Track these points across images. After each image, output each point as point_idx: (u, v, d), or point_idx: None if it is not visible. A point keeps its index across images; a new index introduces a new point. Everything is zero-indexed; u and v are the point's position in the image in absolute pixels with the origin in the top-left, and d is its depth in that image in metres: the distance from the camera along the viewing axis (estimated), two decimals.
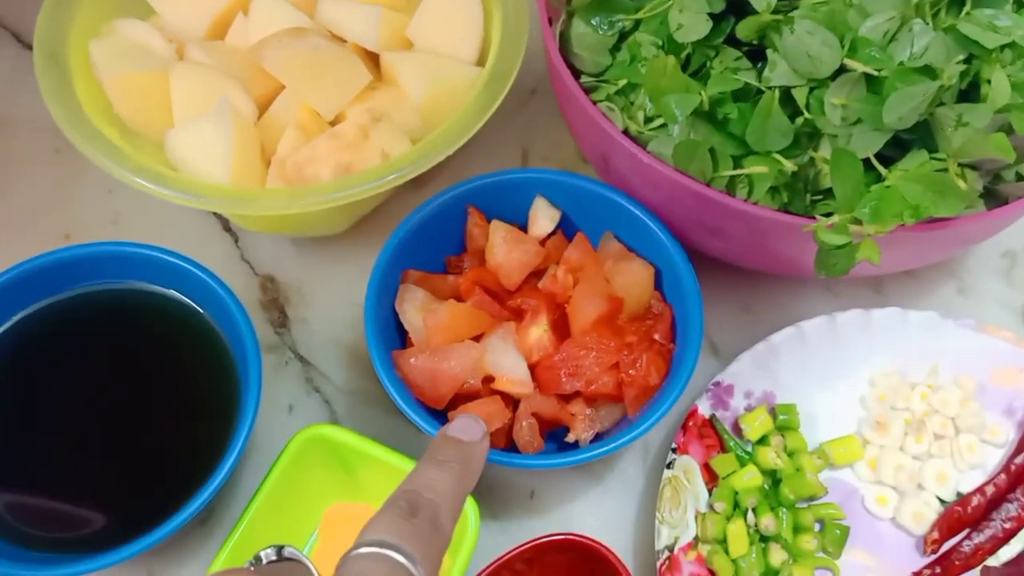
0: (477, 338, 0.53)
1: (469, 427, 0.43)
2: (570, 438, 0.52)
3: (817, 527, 0.54)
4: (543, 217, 0.57)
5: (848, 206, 0.47)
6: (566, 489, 0.56)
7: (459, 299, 0.54)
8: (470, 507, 0.50)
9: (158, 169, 0.52)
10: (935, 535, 0.53)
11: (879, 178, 0.48)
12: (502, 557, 0.49)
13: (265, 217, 0.57)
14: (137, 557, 0.52)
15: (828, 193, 0.51)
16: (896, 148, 0.48)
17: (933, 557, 0.53)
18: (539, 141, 0.69)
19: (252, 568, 0.38)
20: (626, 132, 0.53)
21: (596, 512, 0.56)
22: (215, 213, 0.65)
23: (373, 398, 0.59)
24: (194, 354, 0.53)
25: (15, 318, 0.52)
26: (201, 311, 0.53)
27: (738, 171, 0.50)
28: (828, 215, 0.48)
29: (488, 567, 0.49)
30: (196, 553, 0.54)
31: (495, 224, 0.56)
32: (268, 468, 0.52)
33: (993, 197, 0.51)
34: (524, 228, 0.57)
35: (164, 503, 0.47)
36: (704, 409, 0.55)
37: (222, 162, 0.54)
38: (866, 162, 0.47)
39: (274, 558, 0.38)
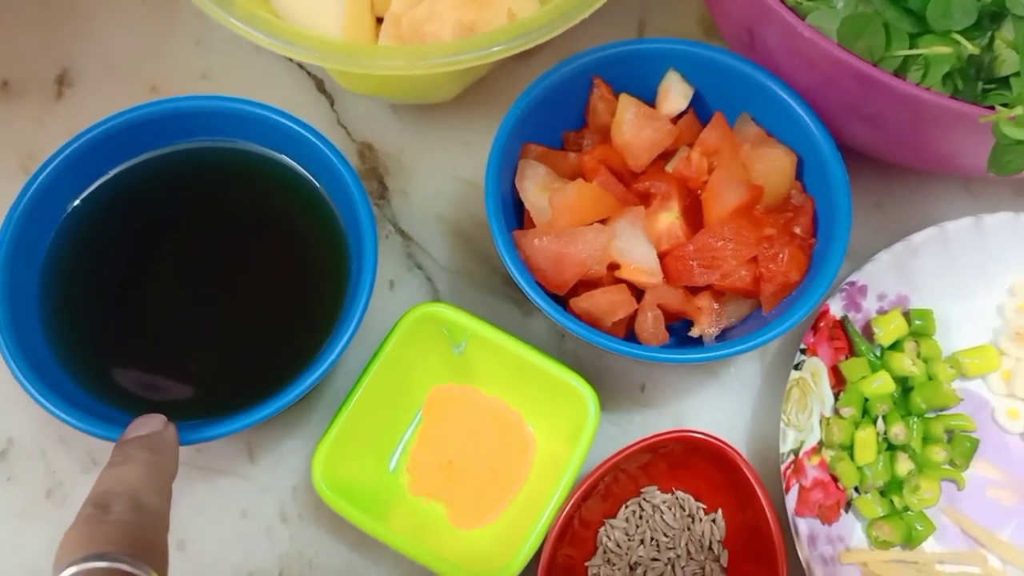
0: (603, 222, 0.49)
1: (143, 423, 0.42)
2: (694, 332, 0.49)
3: (946, 438, 0.51)
4: (676, 94, 0.52)
5: None
6: (679, 384, 0.54)
7: (583, 178, 0.50)
8: (589, 396, 0.48)
9: (267, 18, 0.48)
10: None
11: None
12: (619, 454, 0.47)
13: (371, 78, 0.53)
14: (241, 431, 0.51)
15: (1003, 83, 0.46)
16: None
17: None
18: (656, 12, 0.64)
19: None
20: (783, 1, 0.47)
21: (710, 409, 0.53)
22: (309, 72, 0.61)
23: (477, 278, 0.56)
24: (304, 223, 0.49)
25: (112, 171, 0.49)
26: (311, 178, 0.50)
27: (913, 51, 0.45)
28: (1005, 106, 0.43)
29: (605, 463, 0.47)
30: (295, 429, 0.52)
31: (624, 99, 0.51)
32: (374, 346, 0.49)
33: None
34: (653, 105, 0.53)
35: (274, 378, 0.45)
36: (836, 310, 0.51)
37: (334, 15, 0.50)
38: None
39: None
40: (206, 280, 0.48)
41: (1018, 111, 0.43)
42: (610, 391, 0.54)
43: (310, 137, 0.48)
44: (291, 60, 0.61)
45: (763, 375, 0.54)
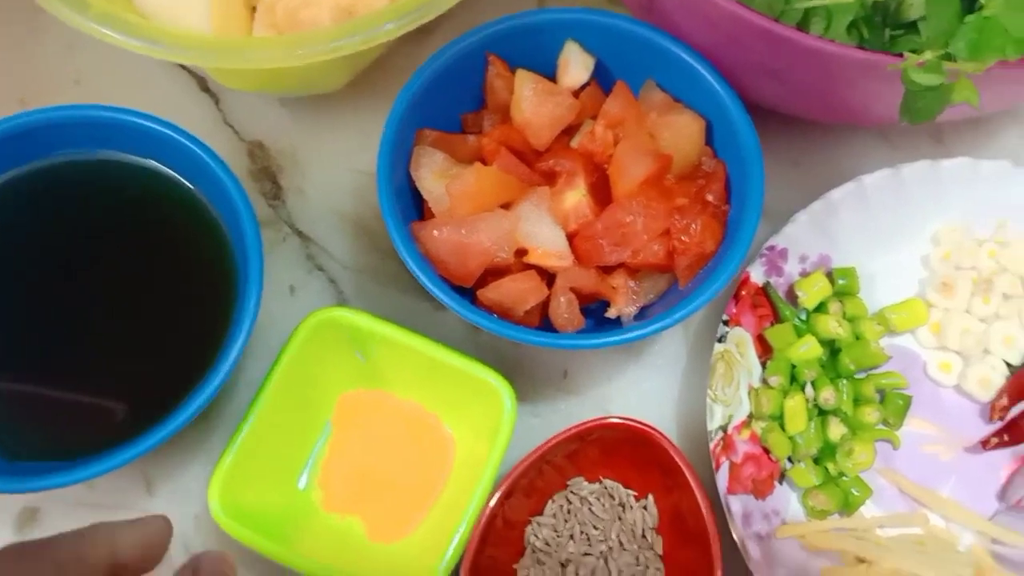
0: (506, 207, 0.47)
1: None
2: (611, 313, 0.47)
3: (878, 398, 0.50)
4: (576, 65, 0.49)
5: (941, 41, 0.41)
6: (602, 367, 0.52)
7: (482, 162, 0.48)
8: (504, 391, 0.45)
9: (126, 17, 0.44)
10: (1003, 401, 0.49)
11: (974, 7, 0.41)
12: (542, 447, 0.45)
13: (252, 72, 0.49)
14: (131, 462, 0.48)
15: (910, 28, 0.44)
16: None
17: (1000, 424, 0.50)
18: None
19: None
20: None
21: (635, 391, 0.51)
22: (190, 71, 0.57)
23: (383, 275, 0.53)
24: (182, 232, 0.46)
25: None
26: (187, 183, 0.46)
27: (814, 2, 0.42)
28: (913, 52, 0.41)
29: (527, 458, 0.45)
30: (197, 454, 0.49)
31: (521, 74, 0.48)
32: (273, 356, 0.46)
33: None
34: (553, 79, 0.50)
35: (163, 402, 0.42)
36: (757, 277, 0.50)
37: (201, 9, 0.46)
38: None
39: None
40: (81, 302, 0.45)
41: (927, 56, 0.41)
42: (531, 381, 0.51)
43: (179, 139, 0.45)
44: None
45: (688, 351, 0.52)
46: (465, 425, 0.48)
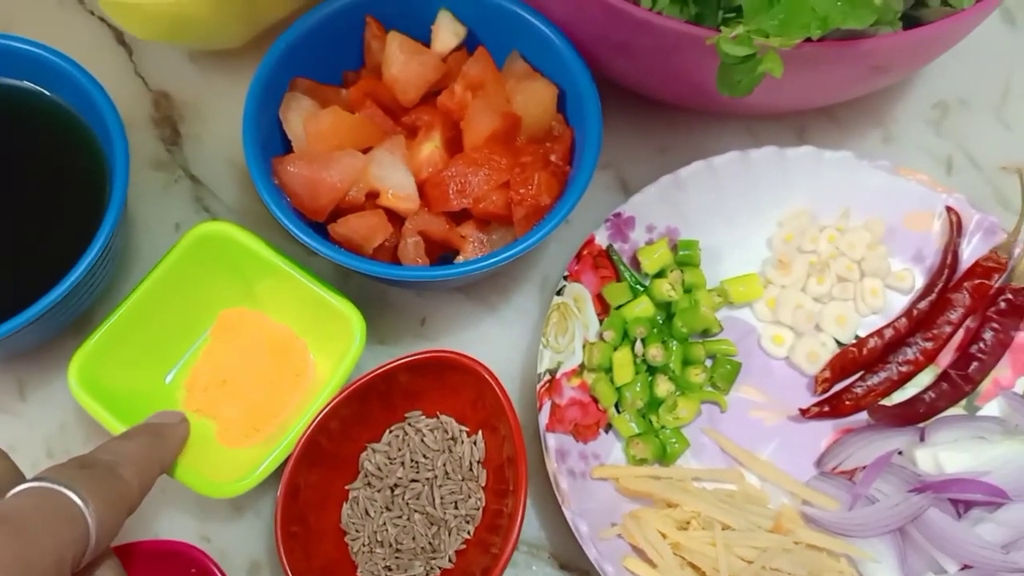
0: (366, 152, 0.50)
1: (164, 415, 0.47)
2: (459, 261, 0.50)
3: (709, 363, 0.52)
4: (446, 32, 0.53)
5: (756, 18, 0.45)
6: (458, 317, 0.55)
7: (349, 112, 0.51)
8: (355, 320, 0.49)
9: None
10: (826, 374, 0.52)
11: None
12: (368, 374, 0.48)
13: (154, 21, 0.53)
14: (5, 364, 0.51)
15: (740, 11, 0.48)
16: None
17: (824, 396, 0.52)
18: None
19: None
20: None
21: (487, 341, 0.55)
22: (110, 24, 0.62)
23: (266, 220, 0.56)
24: (49, 140, 0.50)
25: None
26: (49, 94, 0.51)
27: None
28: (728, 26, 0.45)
29: (353, 384, 0.48)
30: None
31: (392, 35, 0.52)
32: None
33: (915, 23, 0.48)
34: (428, 45, 0.54)
35: (30, 296, 0.45)
36: (601, 239, 0.53)
37: None
38: None
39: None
40: None
41: (739, 30, 0.44)
42: (391, 326, 0.55)
43: (33, 50, 0.49)
44: (89, 11, 0.62)
45: (541, 308, 0.55)
46: (325, 354, 0.52)
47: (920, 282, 0.55)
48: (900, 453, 0.50)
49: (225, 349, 0.52)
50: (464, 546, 0.47)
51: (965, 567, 0.46)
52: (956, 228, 0.54)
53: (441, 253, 0.52)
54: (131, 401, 0.48)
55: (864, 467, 0.49)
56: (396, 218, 0.50)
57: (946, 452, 0.48)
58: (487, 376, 0.47)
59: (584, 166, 0.49)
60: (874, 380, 0.52)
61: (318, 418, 0.47)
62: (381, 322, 0.54)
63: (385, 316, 0.55)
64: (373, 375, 0.48)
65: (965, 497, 0.47)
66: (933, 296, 0.53)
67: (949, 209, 0.54)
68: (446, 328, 0.55)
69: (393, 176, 0.49)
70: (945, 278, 0.53)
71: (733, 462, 0.51)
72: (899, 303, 0.54)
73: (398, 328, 0.55)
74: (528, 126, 0.51)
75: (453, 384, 0.50)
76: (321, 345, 0.52)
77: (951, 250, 0.53)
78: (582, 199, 0.49)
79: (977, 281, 0.53)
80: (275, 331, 0.53)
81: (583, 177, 0.49)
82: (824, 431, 0.52)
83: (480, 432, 0.50)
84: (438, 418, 0.50)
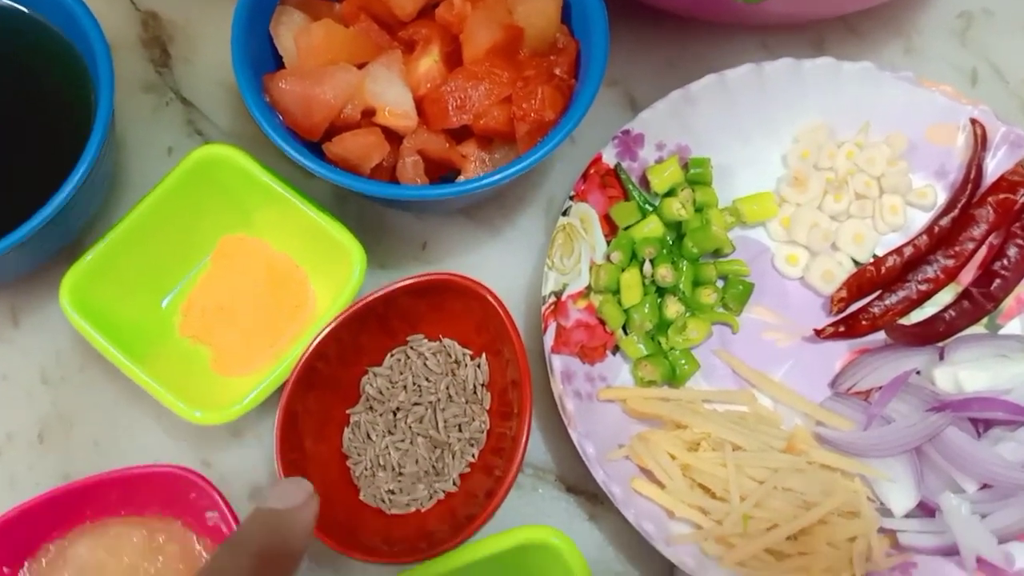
0: (361, 68, 0.48)
1: (287, 493, 0.35)
2: (461, 180, 0.49)
3: (721, 284, 0.51)
4: None
5: None
6: (460, 240, 0.53)
7: (343, 26, 0.49)
8: (355, 251, 0.47)
9: None
10: (843, 293, 0.50)
11: None
12: (368, 296, 0.46)
13: None
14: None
15: None
16: None
17: (839, 317, 0.51)
18: None
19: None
20: None
21: (491, 265, 0.53)
22: None
23: (260, 143, 0.54)
24: (32, 61, 0.49)
25: None
26: (30, 13, 0.49)
27: None
28: None
29: (362, 299, 0.46)
30: None
31: None
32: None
33: None
34: None
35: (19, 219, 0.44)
36: (609, 158, 0.51)
37: None
38: None
39: None
40: None
41: None
42: (391, 250, 0.53)
43: None
44: None
45: (546, 230, 0.54)
46: (324, 284, 0.50)
47: (942, 198, 0.52)
48: (918, 373, 0.48)
49: (224, 275, 0.51)
50: (468, 469, 0.47)
51: (985, 486, 0.45)
52: (981, 141, 0.51)
53: (441, 173, 0.50)
54: (126, 326, 0.47)
55: (880, 388, 0.48)
56: (394, 137, 0.48)
57: (966, 371, 0.47)
58: (490, 298, 0.46)
59: (590, 80, 0.47)
60: (892, 299, 0.50)
61: (315, 343, 0.45)
62: (381, 247, 0.53)
63: (385, 241, 0.53)
64: (372, 297, 0.46)
65: (986, 416, 0.46)
66: (955, 212, 0.51)
67: (974, 121, 0.51)
68: (448, 252, 0.53)
69: (389, 92, 0.47)
70: (968, 193, 0.51)
71: (745, 384, 0.50)
72: (919, 220, 0.52)
73: (399, 253, 0.53)
74: (531, 38, 0.49)
75: (456, 307, 0.48)
76: (321, 276, 0.51)
77: (975, 164, 0.51)
78: (588, 116, 0.47)
79: (1002, 196, 0.50)
80: (275, 259, 0.51)
81: (589, 91, 0.46)
82: (839, 352, 0.50)
83: (484, 355, 0.48)
84: (440, 341, 0.49)
